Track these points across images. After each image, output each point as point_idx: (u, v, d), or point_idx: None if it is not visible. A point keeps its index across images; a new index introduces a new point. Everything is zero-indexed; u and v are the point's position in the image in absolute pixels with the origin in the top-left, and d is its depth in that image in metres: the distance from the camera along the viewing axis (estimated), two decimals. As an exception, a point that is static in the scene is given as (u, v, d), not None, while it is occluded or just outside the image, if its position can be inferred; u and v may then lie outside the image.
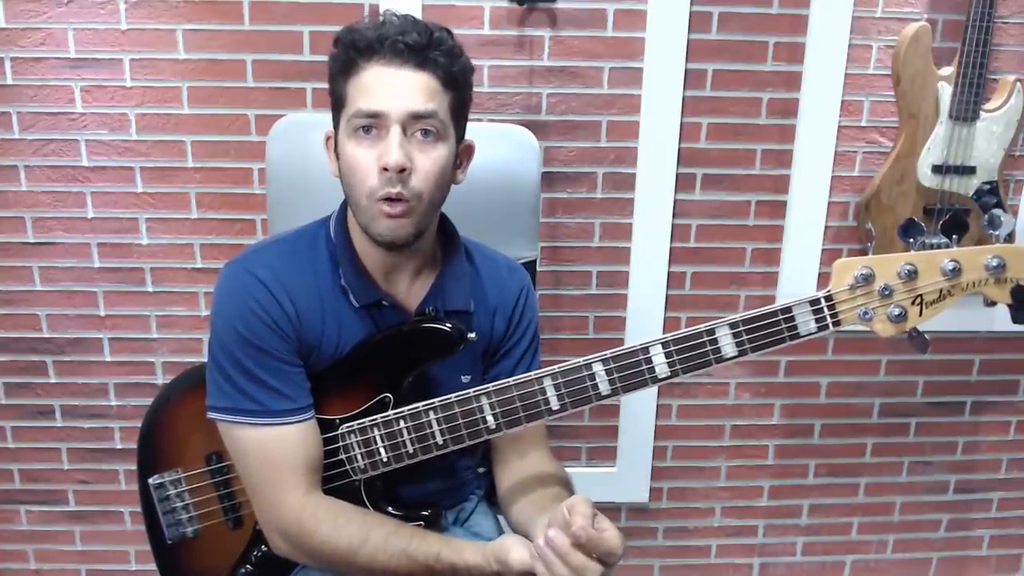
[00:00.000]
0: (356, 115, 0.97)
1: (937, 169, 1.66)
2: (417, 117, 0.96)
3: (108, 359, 1.81)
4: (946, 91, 1.63)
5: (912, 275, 0.92)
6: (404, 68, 0.96)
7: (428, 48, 0.97)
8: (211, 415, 1.04)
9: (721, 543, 2.06)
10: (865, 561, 2.11)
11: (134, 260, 1.76)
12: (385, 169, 0.95)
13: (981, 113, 1.63)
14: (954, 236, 0.95)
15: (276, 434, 1.01)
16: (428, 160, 0.98)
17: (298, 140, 1.36)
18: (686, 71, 1.71)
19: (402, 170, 0.95)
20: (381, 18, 0.99)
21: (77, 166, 1.70)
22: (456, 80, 1.00)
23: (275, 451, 1.01)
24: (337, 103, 1.01)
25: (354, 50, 0.97)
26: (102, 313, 1.79)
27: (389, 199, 0.96)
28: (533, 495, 1.10)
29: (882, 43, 1.72)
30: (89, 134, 1.68)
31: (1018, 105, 1.64)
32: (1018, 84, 1.64)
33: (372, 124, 0.97)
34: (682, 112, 1.73)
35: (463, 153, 1.07)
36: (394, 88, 0.96)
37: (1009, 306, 0.94)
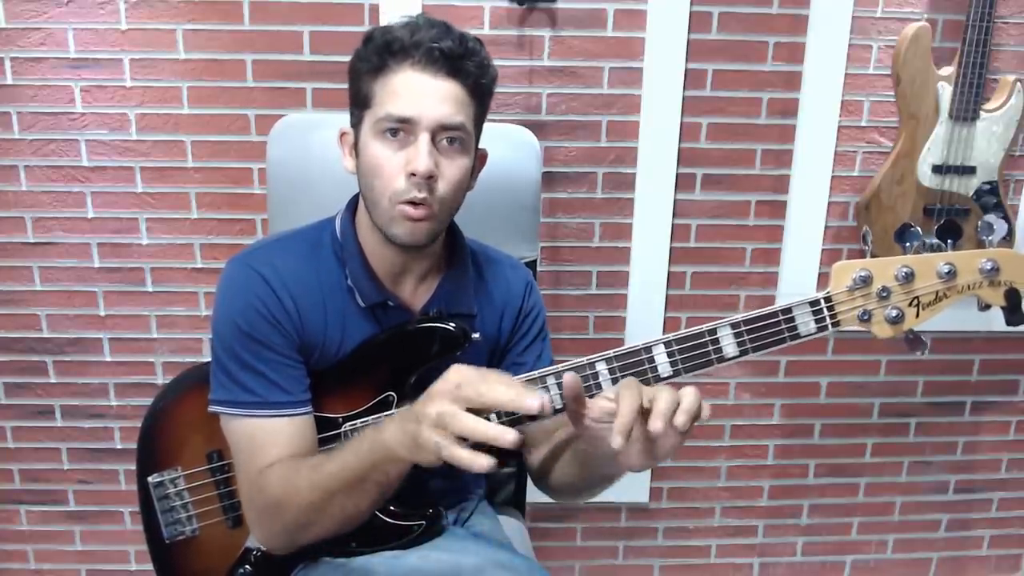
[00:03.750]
0: (386, 118, 0.96)
1: (937, 169, 1.66)
2: (446, 128, 0.97)
3: (108, 359, 1.81)
4: (946, 91, 1.63)
5: (909, 278, 0.93)
6: (437, 76, 0.96)
7: (462, 57, 0.96)
8: (211, 408, 1.04)
9: (721, 543, 2.07)
10: (865, 561, 2.11)
11: (134, 260, 1.76)
12: (413, 175, 0.95)
13: (981, 113, 1.63)
14: (949, 240, 0.97)
15: (266, 424, 1.00)
16: (454, 168, 0.99)
17: (298, 140, 1.36)
18: (686, 71, 1.71)
19: (430, 176, 0.96)
20: (415, 20, 0.98)
21: (77, 166, 1.70)
22: (483, 91, 1.01)
23: (263, 440, 1.00)
24: (361, 101, 1.00)
25: (387, 52, 0.97)
26: (102, 313, 1.79)
27: (413, 202, 0.97)
28: (568, 450, 1.05)
29: (882, 43, 1.72)
30: (89, 134, 1.68)
31: (1018, 105, 1.64)
32: (1018, 84, 1.64)
33: (401, 128, 0.97)
34: (682, 112, 1.73)
35: (478, 160, 1.07)
36: (426, 95, 0.96)
37: (1003, 309, 0.95)
